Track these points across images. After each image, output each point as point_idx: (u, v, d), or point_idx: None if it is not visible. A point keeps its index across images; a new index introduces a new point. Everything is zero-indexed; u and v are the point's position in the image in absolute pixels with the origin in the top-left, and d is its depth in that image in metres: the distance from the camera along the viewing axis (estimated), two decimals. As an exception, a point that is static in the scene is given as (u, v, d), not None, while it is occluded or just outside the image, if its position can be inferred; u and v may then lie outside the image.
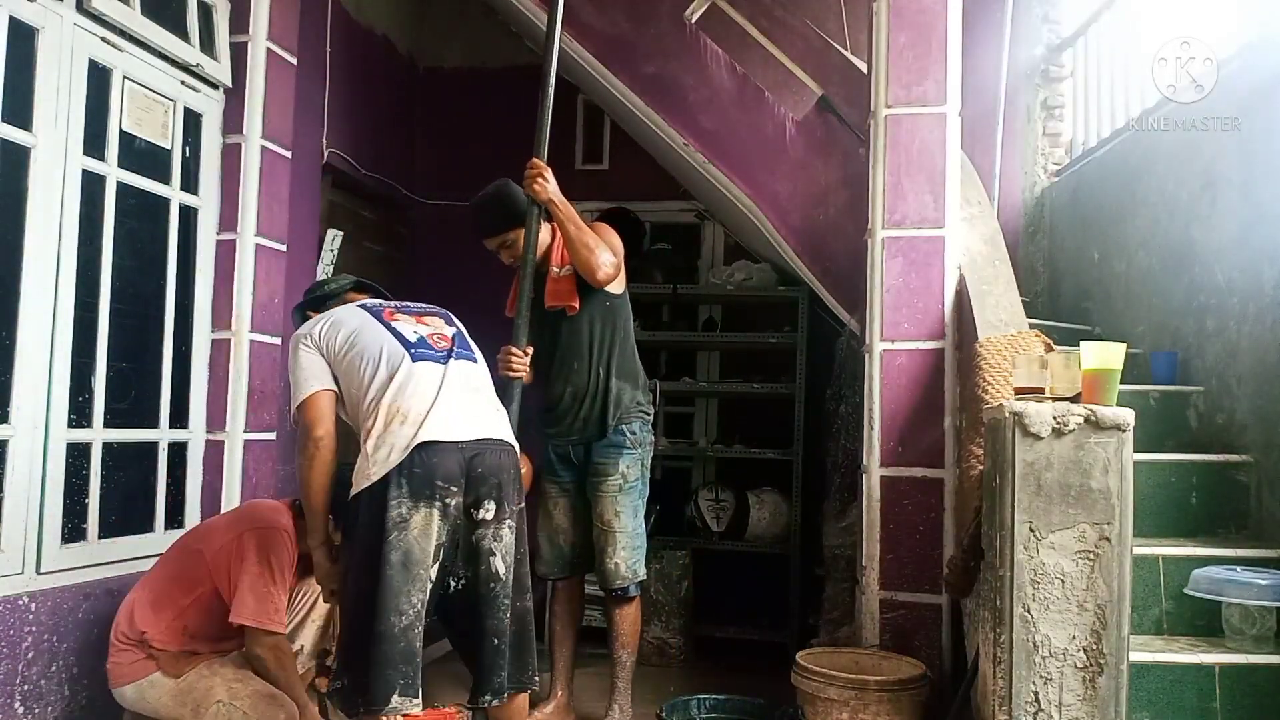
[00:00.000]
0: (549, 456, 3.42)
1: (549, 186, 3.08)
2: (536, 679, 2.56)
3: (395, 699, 2.27)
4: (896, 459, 3.27)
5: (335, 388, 2.53)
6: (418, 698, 2.31)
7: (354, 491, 2.39)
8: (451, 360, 2.53)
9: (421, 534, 2.31)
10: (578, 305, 3.25)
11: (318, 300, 2.84)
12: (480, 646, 2.43)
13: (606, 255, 3.16)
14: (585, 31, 3.93)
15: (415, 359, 2.46)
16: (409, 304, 2.74)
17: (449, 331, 2.65)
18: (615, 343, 3.31)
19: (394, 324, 2.56)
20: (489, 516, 2.40)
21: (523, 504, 2.56)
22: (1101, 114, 4.28)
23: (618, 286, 3.31)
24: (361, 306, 2.65)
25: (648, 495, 3.41)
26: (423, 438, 2.35)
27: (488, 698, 2.44)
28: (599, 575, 3.34)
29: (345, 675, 2.33)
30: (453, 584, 2.44)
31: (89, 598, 3.02)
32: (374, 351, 2.48)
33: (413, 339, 2.52)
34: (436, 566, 2.37)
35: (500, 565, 2.42)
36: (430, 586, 2.36)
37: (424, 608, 2.35)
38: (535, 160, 3.07)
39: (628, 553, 3.29)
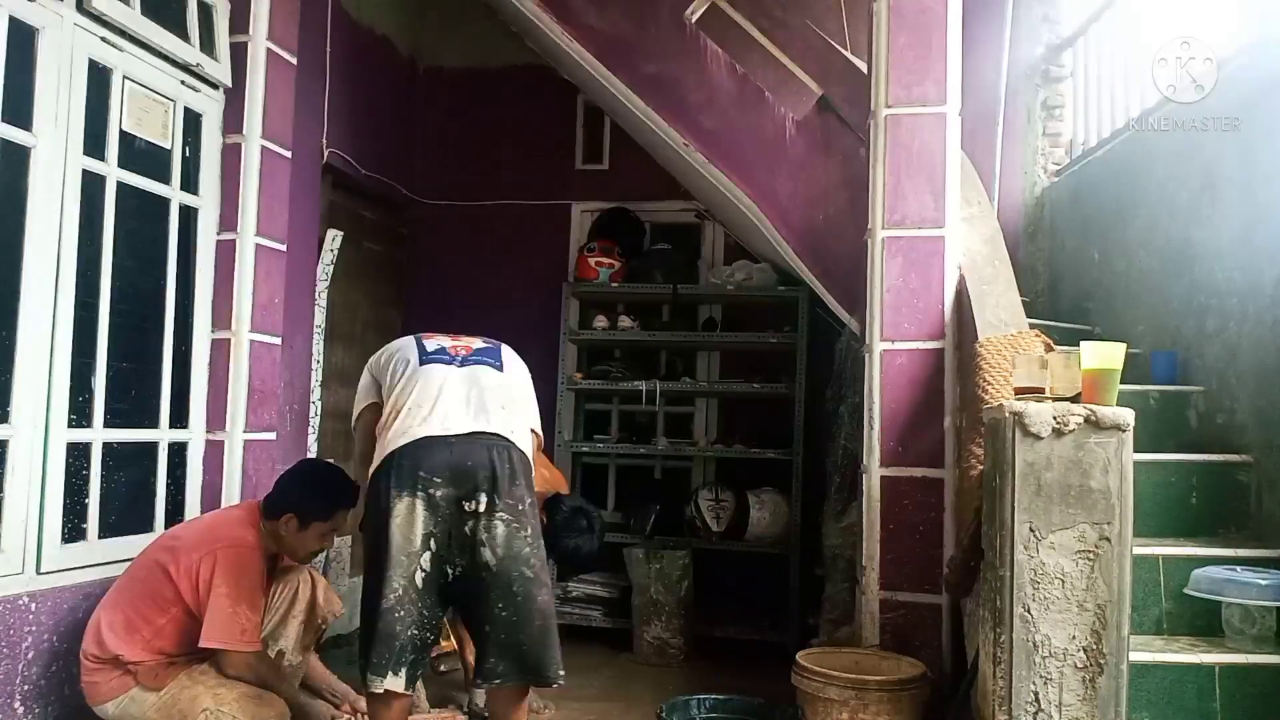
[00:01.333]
0: None
1: None
2: (560, 673, 2.59)
3: (369, 676, 2.44)
4: (896, 459, 3.26)
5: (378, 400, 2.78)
6: (384, 679, 2.44)
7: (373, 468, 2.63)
8: (464, 365, 2.69)
9: (404, 522, 2.44)
10: None
11: None
12: (478, 632, 2.56)
13: None
14: (585, 31, 3.93)
15: (423, 363, 2.68)
16: (461, 335, 2.94)
17: (476, 344, 2.83)
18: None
19: (424, 340, 2.80)
20: (479, 509, 2.49)
21: (529, 500, 2.59)
22: (1101, 114, 4.28)
23: None
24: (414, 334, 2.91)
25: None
26: (416, 434, 2.52)
27: (478, 680, 2.58)
28: None
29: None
30: (450, 572, 2.53)
31: (89, 598, 3.01)
32: (399, 364, 2.72)
33: (431, 349, 2.74)
34: (428, 555, 2.47)
35: (490, 556, 2.49)
36: (423, 574, 2.46)
37: (411, 593, 2.45)
38: None
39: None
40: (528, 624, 2.52)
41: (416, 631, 2.49)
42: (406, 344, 2.84)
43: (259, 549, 2.86)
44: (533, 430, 2.82)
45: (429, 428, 2.53)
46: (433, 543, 2.48)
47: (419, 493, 2.46)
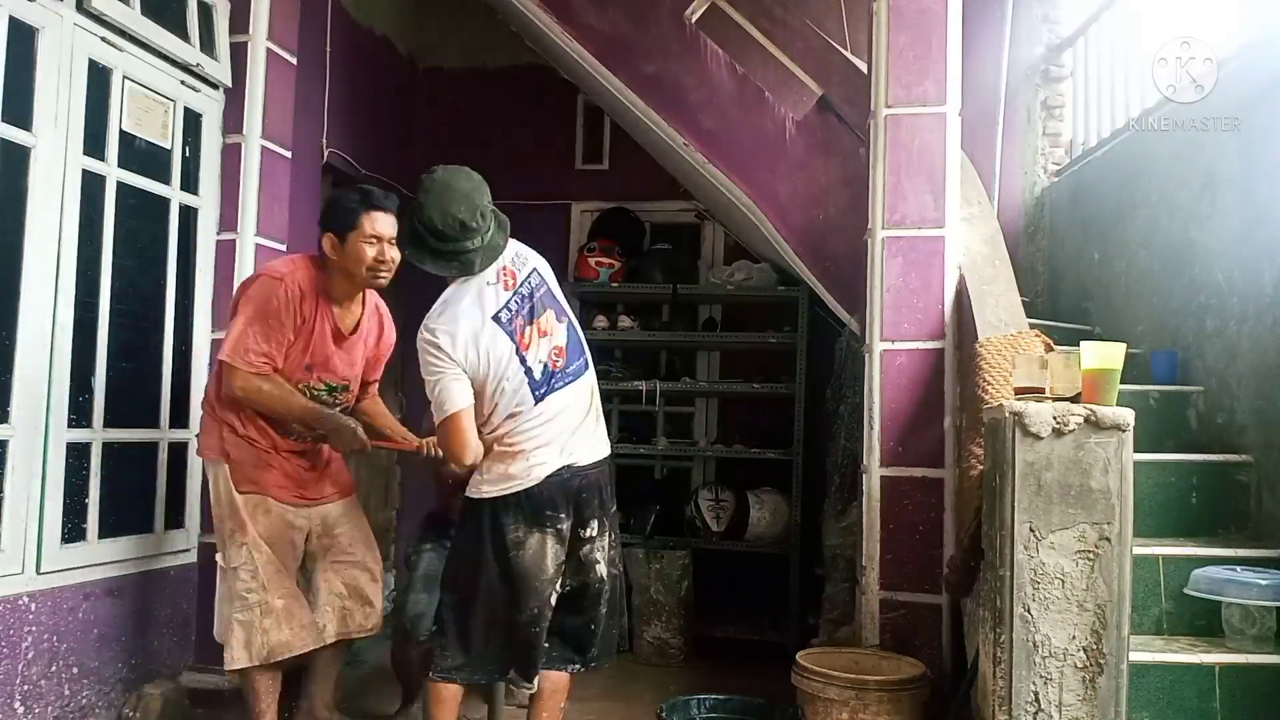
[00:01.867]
0: None
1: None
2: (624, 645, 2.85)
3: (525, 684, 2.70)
4: (896, 459, 3.26)
5: (471, 401, 2.60)
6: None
7: (468, 494, 2.68)
8: (564, 387, 2.66)
9: (536, 555, 2.59)
10: None
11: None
12: (585, 630, 2.75)
13: None
14: (585, 31, 3.93)
15: (537, 400, 2.60)
16: (520, 299, 2.66)
17: (561, 337, 2.69)
18: None
19: (525, 354, 2.61)
20: (594, 534, 2.68)
21: (614, 505, 2.80)
22: (1101, 114, 4.28)
23: None
24: (494, 320, 2.60)
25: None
26: (537, 476, 2.59)
27: (578, 664, 2.77)
28: None
29: (453, 646, 2.66)
30: (561, 589, 2.70)
31: (89, 598, 3.02)
32: (507, 383, 2.58)
33: (537, 373, 2.62)
34: (560, 580, 2.66)
35: (605, 571, 2.72)
36: (556, 595, 2.66)
37: (546, 610, 2.64)
38: None
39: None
40: (615, 611, 2.82)
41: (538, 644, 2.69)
42: (497, 343, 2.57)
43: (281, 279, 2.83)
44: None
45: (548, 468, 2.59)
46: (563, 569, 2.66)
47: (548, 529, 2.60)
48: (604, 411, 2.79)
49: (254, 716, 2.92)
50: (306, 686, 3.06)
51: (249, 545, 2.84)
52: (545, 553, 2.59)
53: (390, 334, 3.22)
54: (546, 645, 2.67)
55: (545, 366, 2.62)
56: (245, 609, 2.82)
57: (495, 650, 2.66)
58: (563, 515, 2.61)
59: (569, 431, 2.64)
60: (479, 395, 2.58)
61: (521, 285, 2.66)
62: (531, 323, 2.63)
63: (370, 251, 2.86)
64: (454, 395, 2.54)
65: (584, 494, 2.65)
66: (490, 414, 2.60)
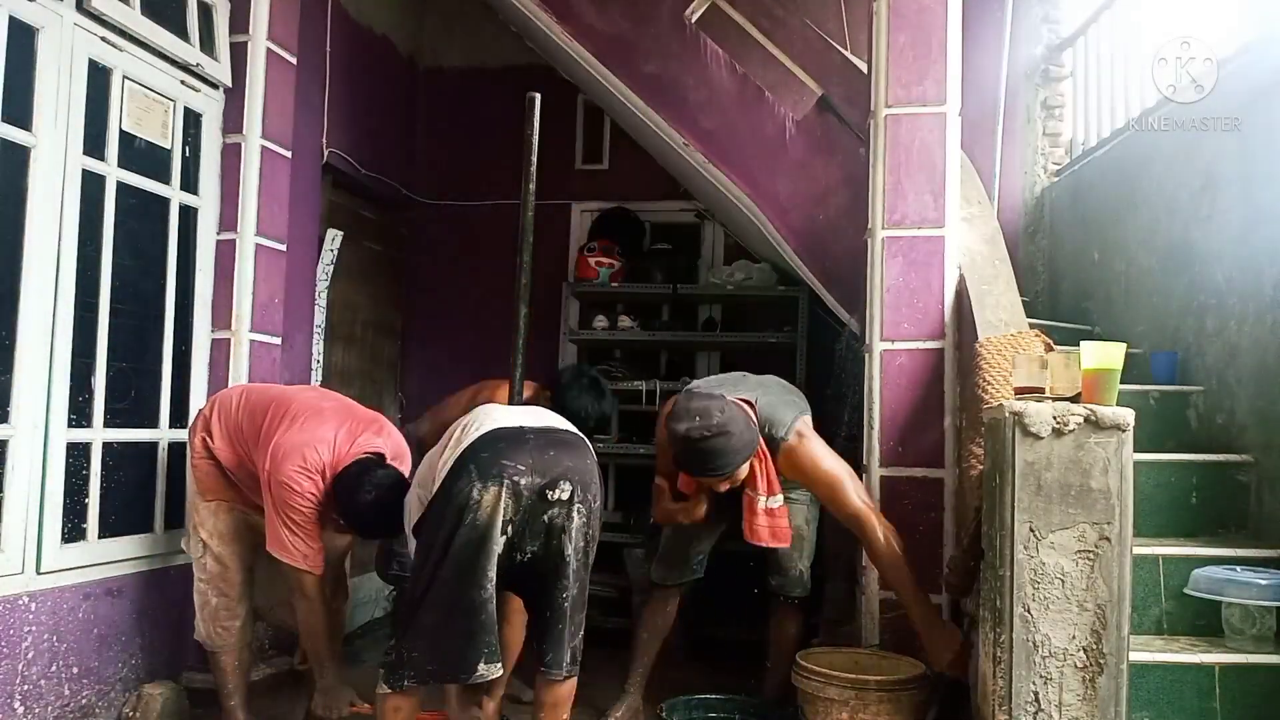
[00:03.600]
0: None
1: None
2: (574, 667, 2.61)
3: (482, 666, 2.43)
4: (896, 459, 3.26)
5: None
6: (499, 664, 2.48)
7: (433, 488, 2.48)
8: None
9: (490, 512, 2.40)
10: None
11: None
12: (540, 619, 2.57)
13: None
14: (585, 31, 3.93)
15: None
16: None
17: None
18: None
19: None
20: (564, 497, 2.47)
21: (599, 495, 2.60)
22: (1101, 114, 4.28)
23: None
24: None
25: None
26: (487, 428, 2.48)
27: (549, 670, 2.55)
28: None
29: (417, 647, 2.43)
30: (518, 558, 2.51)
31: (89, 598, 3.02)
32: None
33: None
34: (503, 541, 2.45)
35: (569, 546, 2.51)
36: (497, 559, 2.44)
37: (494, 581, 2.45)
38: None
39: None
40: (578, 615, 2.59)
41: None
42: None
43: (308, 495, 2.81)
44: None
45: (498, 425, 2.51)
46: (509, 530, 2.46)
47: (504, 481, 2.41)
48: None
49: (222, 696, 3.06)
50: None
51: (205, 542, 3.01)
52: (498, 508, 2.40)
53: None
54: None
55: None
56: (199, 593, 3.05)
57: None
58: (521, 467, 2.43)
59: (525, 412, 2.67)
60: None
61: None
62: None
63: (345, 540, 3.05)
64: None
65: (551, 451, 2.49)
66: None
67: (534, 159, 3.22)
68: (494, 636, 2.44)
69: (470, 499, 2.39)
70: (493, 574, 2.43)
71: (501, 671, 2.60)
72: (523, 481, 2.44)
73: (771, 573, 3.44)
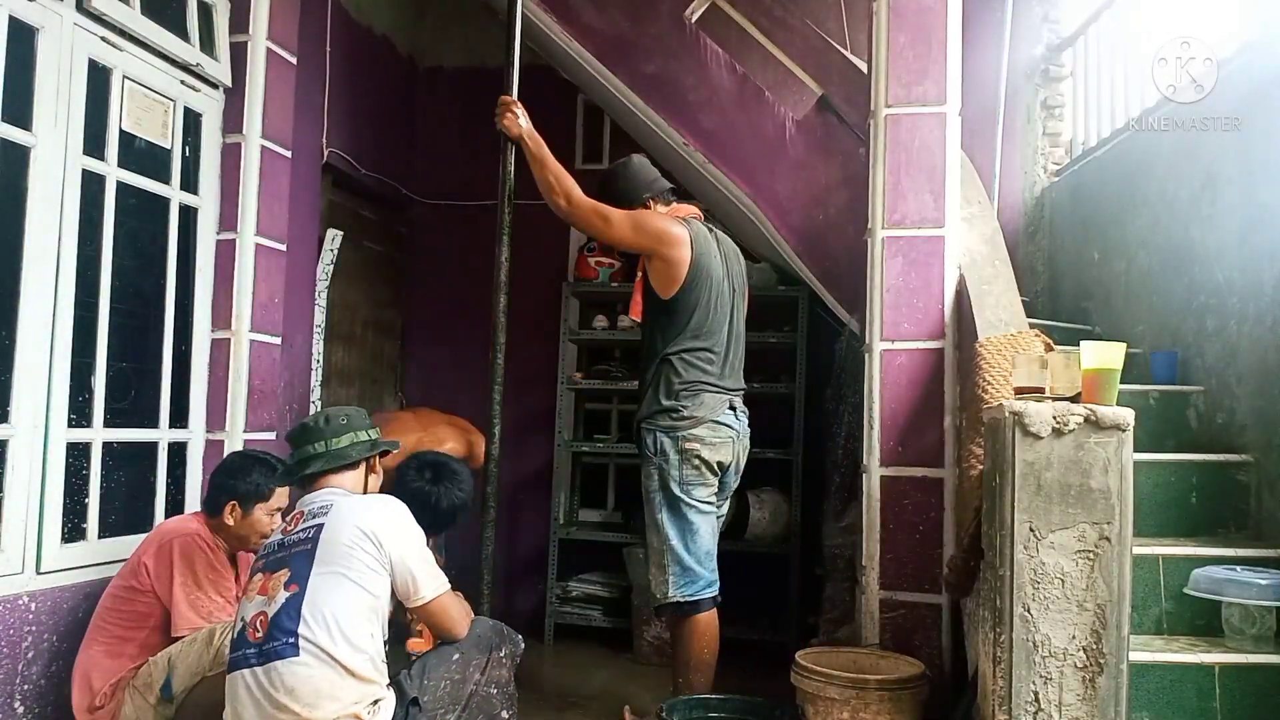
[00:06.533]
0: None
1: (520, 122, 3.18)
2: None
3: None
4: (896, 459, 3.27)
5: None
6: None
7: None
8: (258, 665, 2.24)
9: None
10: (639, 315, 3.35)
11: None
12: None
13: (561, 198, 3.27)
14: (585, 31, 3.93)
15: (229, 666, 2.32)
16: (281, 545, 2.42)
17: (278, 599, 2.28)
18: (653, 352, 3.23)
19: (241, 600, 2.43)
20: None
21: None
22: (1101, 114, 4.28)
23: (666, 292, 3.19)
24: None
25: (689, 515, 3.21)
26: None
27: None
28: None
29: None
30: None
31: (89, 598, 3.01)
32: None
33: (237, 630, 2.35)
34: None
35: None
36: None
37: None
38: (504, 97, 3.18)
39: (655, 569, 3.22)
40: None
41: None
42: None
43: (207, 538, 2.84)
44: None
45: None
46: None
47: None
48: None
49: None
50: None
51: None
52: None
53: None
54: None
55: (243, 629, 2.31)
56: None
57: None
58: None
59: None
60: None
61: (299, 530, 2.38)
62: (266, 573, 2.34)
63: (270, 525, 2.90)
64: None
65: None
66: None
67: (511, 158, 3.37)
68: None
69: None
70: None
71: None
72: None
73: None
